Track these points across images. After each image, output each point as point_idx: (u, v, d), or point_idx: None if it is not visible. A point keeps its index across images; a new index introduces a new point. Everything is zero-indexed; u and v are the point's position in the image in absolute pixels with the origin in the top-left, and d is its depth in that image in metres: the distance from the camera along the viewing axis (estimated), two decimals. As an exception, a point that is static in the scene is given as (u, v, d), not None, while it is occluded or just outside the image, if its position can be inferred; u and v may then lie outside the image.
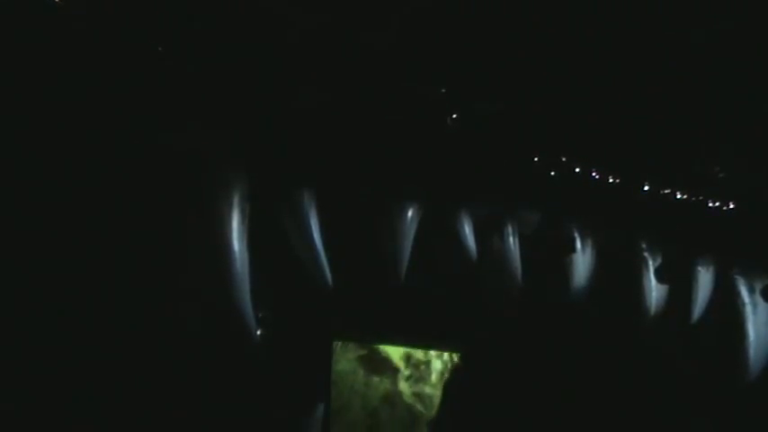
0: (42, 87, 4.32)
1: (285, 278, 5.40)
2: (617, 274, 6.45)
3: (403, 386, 6.37)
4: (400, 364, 6.42)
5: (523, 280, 6.03)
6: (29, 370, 4.50)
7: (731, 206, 6.40)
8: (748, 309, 6.69)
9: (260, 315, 5.11)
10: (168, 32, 4.53)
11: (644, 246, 6.55)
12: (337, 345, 6.28)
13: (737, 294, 6.68)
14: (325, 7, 4.86)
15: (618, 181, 6.10)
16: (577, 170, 6.00)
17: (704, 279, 6.57)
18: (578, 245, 6.29)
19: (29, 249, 4.49)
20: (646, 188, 6.23)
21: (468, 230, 5.85)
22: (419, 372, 6.38)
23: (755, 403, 6.62)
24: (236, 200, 4.86)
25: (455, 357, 6.17)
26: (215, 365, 5.06)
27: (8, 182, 4.40)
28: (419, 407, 6.18)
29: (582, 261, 6.29)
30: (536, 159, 5.87)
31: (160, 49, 4.58)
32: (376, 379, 6.34)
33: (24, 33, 4.15)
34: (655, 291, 6.53)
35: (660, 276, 6.51)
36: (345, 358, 6.24)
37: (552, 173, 5.92)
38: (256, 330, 5.06)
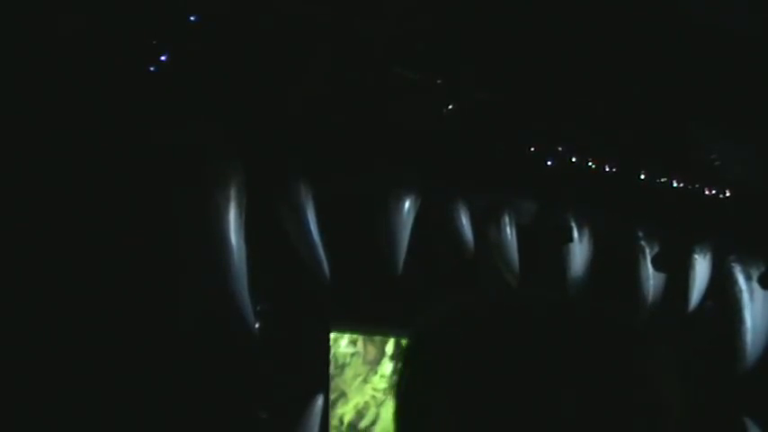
0: (40, 84, 4.31)
1: (283, 271, 5.40)
2: (614, 262, 6.45)
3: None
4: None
5: (521, 269, 6.03)
6: (24, 367, 4.50)
7: (728, 194, 6.41)
8: (745, 296, 6.70)
9: (258, 308, 5.11)
10: (165, 26, 4.52)
11: (641, 234, 6.56)
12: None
13: (734, 282, 6.69)
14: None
15: (614, 170, 6.11)
16: (574, 159, 6.01)
17: (701, 267, 6.58)
18: (575, 234, 6.29)
19: (26, 245, 4.49)
20: (642, 177, 6.23)
21: (465, 221, 5.85)
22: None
23: (754, 389, 6.64)
24: (233, 193, 4.86)
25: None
26: (213, 358, 5.05)
27: (4, 178, 4.39)
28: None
29: (579, 250, 6.30)
30: (532, 149, 5.88)
31: (154, 42, 4.57)
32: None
33: (23, 31, 4.14)
34: (652, 279, 6.54)
35: (657, 264, 6.52)
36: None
37: (549, 162, 5.93)
38: (254, 323, 5.06)
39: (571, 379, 1.14)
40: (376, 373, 6.37)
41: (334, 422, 6.20)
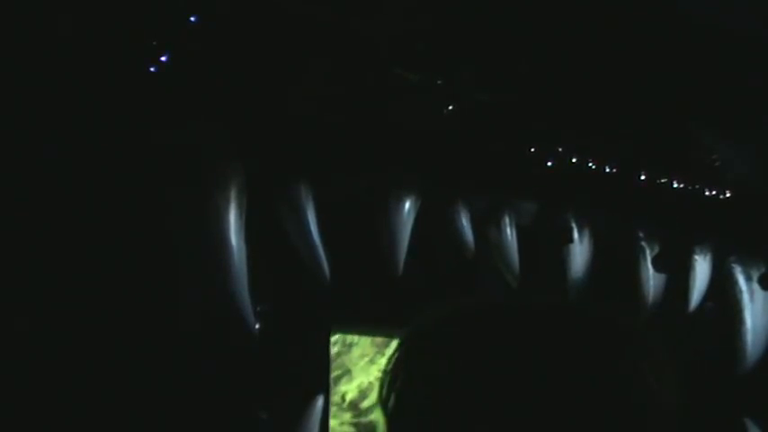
0: (40, 84, 4.31)
1: (283, 272, 5.40)
2: (614, 263, 6.45)
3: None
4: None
5: (521, 270, 6.03)
6: (25, 368, 4.50)
7: (728, 194, 6.41)
8: (745, 297, 6.70)
9: (258, 309, 5.10)
10: (165, 27, 4.52)
11: (641, 235, 6.56)
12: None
13: (735, 282, 6.70)
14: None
15: (615, 170, 6.11)
16: (574, 160, 6.01)
17: (701, 267, 6.58)
18: (576, 235, 6.29)
19: (26, 245, 4.49)
20: (642, 177, 6.23)
21: (465, 221, 5.85)
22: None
23: (754, 390, 6.64)
24: (233, 193, 4.85)
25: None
26: (214, 360, 5.05)
27: (4, 178, 4.39)
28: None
29: (579, 251, 6.30)
30: (532, 150, 5.88)
31: (155, 43, 4.57)
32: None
33: (23, 31, 4.14)
34: (652, 280, 6.54)
35: (657, 265, 6.52)
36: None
37: (549, 163, 5.92)
38: (255, 324, 5.05)
39: (570, 380, 1.14)
40: (383, 354, 6.37)
41: (335, 398, 6.22)
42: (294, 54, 4.83)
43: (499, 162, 5.82)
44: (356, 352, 6.36)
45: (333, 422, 6.16)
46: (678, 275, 6.54)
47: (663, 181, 6.27)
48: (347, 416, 6.32)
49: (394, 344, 1.31)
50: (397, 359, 1.26)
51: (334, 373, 6.24)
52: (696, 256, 6.55)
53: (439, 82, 5.38)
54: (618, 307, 1.27)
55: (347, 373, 6.34)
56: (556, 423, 1.12)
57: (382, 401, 1.23)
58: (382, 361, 6.37)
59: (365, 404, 6.33)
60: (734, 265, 6.69)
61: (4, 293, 4.39)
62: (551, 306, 1.23)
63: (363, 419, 6.31)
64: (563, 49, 5.41)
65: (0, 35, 4.13)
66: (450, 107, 5.42)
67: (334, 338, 6.22)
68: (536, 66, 5.51)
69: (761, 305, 6.70)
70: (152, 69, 4.56)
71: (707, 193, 6.40)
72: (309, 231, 5.24)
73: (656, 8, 5.03)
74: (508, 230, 6.05)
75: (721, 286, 6.68)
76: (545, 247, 6.31)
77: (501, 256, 6.05)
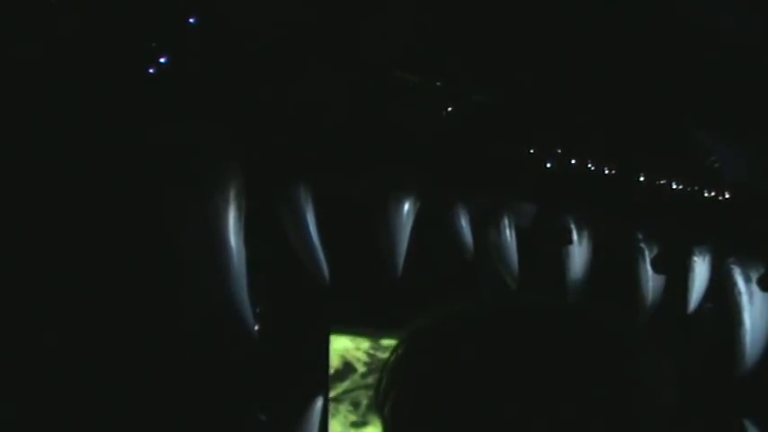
0: (40, 84, 4.31)
1: (282, 273, 5.40)
2: (614, 264, 6.45)
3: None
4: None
5: (520, 272, 6.03)
6: (25, 368, 4.50)
7: (727, 195, 6.41)
8: (744, 298, 6.70)
9: (257, 310, 5.10)
10: (164, 28, 4.53)
11: (640, 236, 6.56)
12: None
13: (734, 284, 6.70)
14: (320, 1, 4.87)
15: (614, 172, 6.11)
16: (573, 161, 6.01)
17: (700, 269, 6.58)
18: (575, 236, 6.29)
19: (25, 246, 4.48)
20: (641, 179, 6.24)
21: (464, 223, 5.85)
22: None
23: (753, 390, 6.64)
24: (232, 195, 4.85)
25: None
26: (213, 361, 5.05)
27: (4, 178, 4.39)
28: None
29: (578, 252, 6.30)
30: (532, 151, 5.88)
31: (154, 44, 4.57)
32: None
33: (21, 31, 4.14)
34: (651, 281, 6.55)
35: (656, 266, 6.52)
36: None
37: (548, 164, 5.93)
38: (254, 326, 5.05)
39: (569, 380, 1.14)
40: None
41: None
42: (294, 55, 4.83)
43: (498, 163, 5.82)
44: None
45: (350, 344, 6.17)
46: (677, 277, 6.54)
47: (662, 182, 6.27)
48: (365, 344, 6.30)
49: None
50: (394, 361, 1.25)
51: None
52: (695, 258, 6.55)
53: (438, 83, 5.38)
54: (617, 308, 1.27)
55: None
56: (555, 424, 1.12)
57: (378, 404, 1.23)
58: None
59: (385, 341, 6.32)
60: (733, 266, 6.69)
61: (5, 294, 4.39)
62: (550, 307, 1.23)
63: (380, 354, 6.29)
64: (562, 51, 5.42)
65: (0, 35, 4.14)
66: (450, 109, 5.43)
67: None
68: (535, 67, 5.52)
69: (759, 306, 6.70)
70: (151, 71, 4.56)
71: (706, 195, 6.40)
72: (309, 232, 5.24)
73: (656, 9, 5.04)
74: (507, 232, 6.05)
75: (720, 287, 6.68)
76: (544, 248, 6.31)
77: (500, 258, 6.05)
